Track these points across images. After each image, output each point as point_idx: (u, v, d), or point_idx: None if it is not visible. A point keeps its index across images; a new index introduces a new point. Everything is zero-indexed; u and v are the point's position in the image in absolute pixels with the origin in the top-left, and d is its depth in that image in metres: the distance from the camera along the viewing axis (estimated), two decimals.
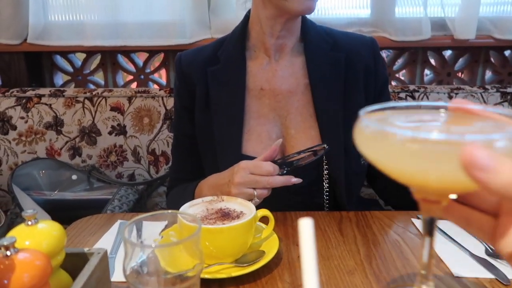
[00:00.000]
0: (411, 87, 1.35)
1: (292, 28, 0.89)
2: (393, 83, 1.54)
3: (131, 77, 1.57)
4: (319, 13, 1.42)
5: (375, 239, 0.73)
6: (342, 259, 0.66)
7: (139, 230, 0.53)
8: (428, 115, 0.39)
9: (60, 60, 1.57)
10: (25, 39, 1.44)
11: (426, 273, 0.41)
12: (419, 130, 0.33)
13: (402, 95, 1.33)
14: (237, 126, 0.89)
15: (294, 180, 0.76)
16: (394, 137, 0.32)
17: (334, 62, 0.90)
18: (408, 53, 1.52)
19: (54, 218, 0.56)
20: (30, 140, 1.36)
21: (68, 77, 1.59)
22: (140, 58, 1.57)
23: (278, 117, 0.91)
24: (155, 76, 1.58)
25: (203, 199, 0.70)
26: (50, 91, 1.37)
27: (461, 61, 1.53)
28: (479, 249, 0.68)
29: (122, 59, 1.57)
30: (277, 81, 0.91)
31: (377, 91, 0.94)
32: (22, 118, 1.36)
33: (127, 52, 1.53)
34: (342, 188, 0.88)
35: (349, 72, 0.90)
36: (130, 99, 1.35)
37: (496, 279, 0.59)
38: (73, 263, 0.51)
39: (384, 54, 1.55)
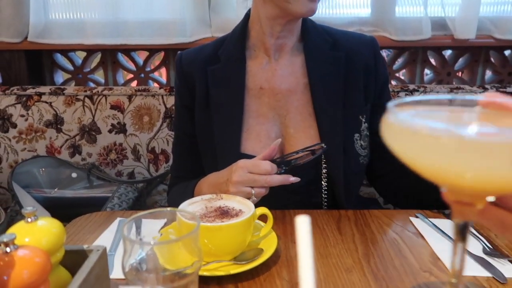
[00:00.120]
0: (411, 86, 1.35)
1: (292, 29, 0.89)
2: (393, 82, 1.54)
3: (131, 75, 1.57)
4: (320, 12, 1.42)
5: (373, 238, 0.73)
6: (340, 257, 0.66)
7: (138, 228, 0.54)
8: (461, 109, 0.36)
9: (61, 59, 1.57)
10: (26, 38, 1.44)
11: (457, 281, 0.38)
12: (457, 124, 0.31)
13: (402, 94, 1.33)
14: (236, 125, 0.89)
15: (292, 179, 0.76)
16: (429, 132, 0.29)
17: (334, 61, 0.90)
18: (408, 53, 1.52)
19: (54, 216, 0.57)
20: (30, 138, 1.37)
21: (69, 76, 1.59)
22: (141, 57, 1.57)
23: (277, 116, 0.91)
24: (155, 74, 1.58)
25: (202, 197, 0.70)
26: (50, 89, 1.37)
27: (461, 60, 1.53)
28: (477, 247, 0.68)
29: (122, 58, 1.57)
30: (277, 81, 0.91)
31: (377, 91, 0.94)
32: (22, 116, 1.36)
33: (128, 50, 1.53)
34: (340, 187, 0.88)
35: (349, 72, 0.90)
36: (130, 97, 1.35)
37: (493, 277, 0.60)
38: (73, 260, 0.51)
39: (384, 53, 1.55)
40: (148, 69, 1.56)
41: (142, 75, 1.56)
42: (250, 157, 0.84)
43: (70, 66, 1.58)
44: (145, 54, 1.55)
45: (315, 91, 0.89)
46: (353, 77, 0.91)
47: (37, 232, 0.46)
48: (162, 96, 1.35)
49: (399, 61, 1.54)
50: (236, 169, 0.75)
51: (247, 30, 0.93)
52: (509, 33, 1.38)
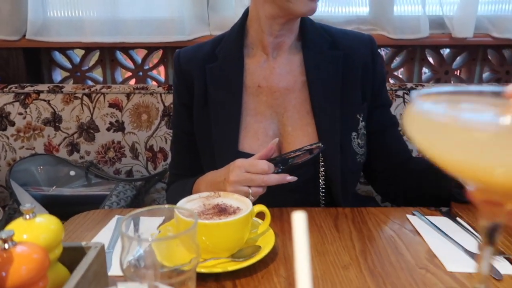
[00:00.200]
0: (409, 85, 1.35)
1: (291, 27, 0.90)
2: (391, 81, 1.54)
3: (129, 73, 1.57)
4: (318, 11, 1.40)
5: (370, 235, 0.73)
6: (337, 254, 0.67)
7: (136, 225, 0.54)
8: (490, 100, 0.33)
9: (59, 56, 1.57)
10: (24, 35, 1.44)
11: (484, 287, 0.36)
12: (491, 116, 0.29)
13: (400, 93, 1.33)
14: (234, 123, 0.90)
15: (289, 178, 0.76)
16: (461, 124, 0.27)
17: (332, 60, 0.90)
18: (406, 51, 1.52)
19: (52, 213, 0.57)
20: (28, 136, 1.37)
21: (67, 74, 1.59)
22: (139, 55, 1.57)
23: (275, 114, 0.91)
24: (154, 72, 1.58)
25: (200, 194, 0.70)
26: (48, 87, 1.37)
27: (459, 59, 1.54)
28: (473, 244, 0.68)
29: (120, 56, 1.57)
30: (275, 79, 0.91)
31: (375, 89, 0.94)
32: (21, 114, 1.36)
33: (126, 48, 1.53)
34: (338, 185, 0.89)
35: (347, 70, 0.91)
36: (128, 95, 1.35)
37: (489, 274, 0.60)
38: (71, 257, 0.51)
39: (382, 52, 1.55)
40: (146, 67, 1.56)
41: (141, 73, 1.56)
42: (247, 155, 0.85)
43: (68, 64, 1.58)
44: (143, 52, 1.55)
45: (313, 90, 0.90)
46: (351, 75, 0.91)
47: (35, 229, 0.46)
48: (161, 94, 1.35)
49: (397, 59, 1.54)
50: (233, 169, 0.76)
51: (245, 28, 0.93)
52: (507, 31, 1.39)
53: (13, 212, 1.20)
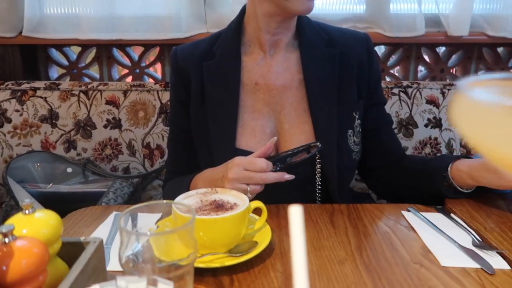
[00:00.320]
0: (405, 83, 1.36)
1: (288, 26, 0.90)
2: (387, 78, 1.55)
3: (126, 71, 1.57)
4: (314, 9, 1.42)
5: (365, 231, 0.74)
6: (333, 249, 0.68)
7: (134, 220, 0.55)
8: None
9: (55, 53, 1.57)
10: (20, 32, 1.43)
11: None
12: None
13: (396, 90, 1.34)
14: (231, 121, 0.90)
15: (287, 176, 0.77)
16: None
17: (329, 58, 0.91)
18: (402, 49, 1.53)
19: None
20: (25, 133, 1.36)
21: (63, 71, 1.58)
22: (136, 52, 1.57)
23: (272, 112, 0.92)
24: (150, 70, 1.58)
25: (197, 191, 0.71)
26: (45, 84, 1.37)
27: (454, 57, 1.55)
28: (467, 240, 0.69)
29: (117, 53, 1.57)
30: (272, 76, 0.92)
31: (370, 87, 0.95)
32: (17, 111, 1.36)
33: (123, 45, 1.53)
34: (334, 182, 0.89)
35: (344, 68, 0.91)
36: (125, 92, 1.35)
37: (482, 268, 0.61)
38: (69, 252, 0.52)
39: (378, 50, 1.56)
40: (143, 64, 1.56)
41: (137, 70, 1.56)
42: (245, 152, 0.85)
43: (65, 61, 1.57)
44: (140, 49, 1.55)
45: (310, 88, 0.90)
46: (347, 73, 0.92)
47: (35, 224, 0.46)
48: (157, 91, 1.35)
49: (393, 57, 1.55)
50: (232, 166, 0.76)
51: (242, 26, 0.93)
52: (501, 30, 1.40)
53: (10, 209, 1.20)
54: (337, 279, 0.60)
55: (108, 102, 1.35)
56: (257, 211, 0.70)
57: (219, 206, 0.66)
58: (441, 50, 1.55)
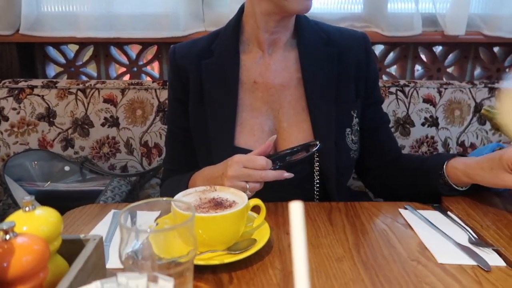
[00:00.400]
0: (402, 81, 1.37)
1: (286, 24, 0.90)
2: (384, 77, 1.56)
3: (124, 69, 1.57)
4: (312, 8, 1.43)
5: (363, 229, 0.75)
6: (331, 247, 0.68)
7: (133, 218, 0.55)
8: None
9: (53, 52, 1.56)
10: (18, 30, 1.43)
11: None
12: None
13: (393, 89, 1.35)
14: (230, 119, 0.90)
15: (286, 174, 0.78)
16: None
17: (327, 57, 0.91)
18: (399, 48, 1.54)
19: None
20: (22, 131, 1.36)
21: (61, 69, 1.58)
22: (133, 50, 1.57)
23: (271, 111, 0.92)
24: (148, 68, 1.58)
25: (196, 189, 0.71)
26: (42, 82, 1.36)
27: (451, 56, 1.56)
28: (463, 237, 0.70)
29: (115, 51, 1.56)
30: (270, 75, 0.92)
31: (368, 87, 0.96)
32: (14, 109, 1.35)
33: (120, 44, 1.53)
34: (332, 181, 0.90)
35: (342, 67, 0.92)
36: (123, 91, 1.35)
37: (478, 265, 0.62)
38: (69, 249, 0.52)
39: (375, 49, 1.56)
40: (140, 63, 1.56)
41: (135, 68, 1.56)
42: (243, 150, 0.86)
43: (62, 59, 1.57)
44: (138, 47, 1.55)
45: (308, 86, 0.91)
46: (345, 73, 0.92)
47: (35, 221, 0.46)
48: (155, 89, 1.35)
49: (390, 56, 1.56)
50: (231, 164, 0.76)
51: (241, 24, 0.93)
52: (498, 30, 1.41)
53: (8, 207, 1.19)
54: (335, 276, 0.60)
55: (105, 101, 1.35)
56: (256, 209, 0.70)
57: (218, 204, 0.66)
58: (438, 49, 1.56)
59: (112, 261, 0.63)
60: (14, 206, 1.19)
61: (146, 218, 0.57)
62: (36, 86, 1.36)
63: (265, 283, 0.59)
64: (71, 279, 0.44)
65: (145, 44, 1.53)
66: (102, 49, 1.55)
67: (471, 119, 1.38)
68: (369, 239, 0.71)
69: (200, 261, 0.60)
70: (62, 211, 0.83)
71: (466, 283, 0.58)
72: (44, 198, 1.23)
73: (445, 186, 0.84)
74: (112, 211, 0.82)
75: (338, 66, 0.91)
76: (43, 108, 1.35)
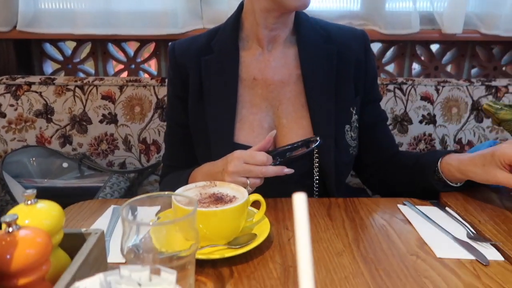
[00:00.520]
0: (399, 79, 1.38)
1: (286, 21, 0.91)
2: (382, 75, 1.56)
3: (121, 66, 1.57)
4: (310, 5, 1.43)
5: (362, 224, 0.75)
6: (331, 242, 0.69)
7: (134, 212, 0.55)
8: None
9: (50, 48, 1.56)
10: (15, 27, 1.42)
11: None
12: None
13: (391, 87, 1.36)
14: (229, 115, 0.91)
15: (286, 170, 0.78)
16: None
17: (327, 54, 0.92)
18: (397, 46, 1.55)
19: None
20: (20, 128, 1.36)
21: (58, 66, 1.57)
22: (131, 47, 1.57)
23: (270, 107, 0.92)
24: (146, 65, 1.57)
25: (196, 184, 0.71)
26: (40, 79, 1.36)
27: (448, 55, 1.56)
28: (461, 232, 0.71)
29: (112, 48, 1.56)
30: (270, 71, 0.92)
31: (367, 84, 0.96)
32: (12, 105, 1.35)
33: (118, 41, 1.53)
34: (331, 177, 0.90)
35: (341, 64, 0.92)
36: (121, 88, 1.35)
37: (477, 260, 0.63)
38: (71, 243, 0.52)
39: (373, 46, 1.57)
40: (138, 60, 1.55)
41: (133, 66, 1.55)
42: (243, 146, 0.86)
43: (59, 56, 1.56)
44: (135, 44, 1.54)
45: (307, 83, 0.91)
46: (344, 70, 0.92)
47: (37, 214, 0.46)
48: (154, 86, 1.35)
49: (388, 54, 1.56)
50: (232, 160, 0.77)
51: (240, 21, 0.94)
52: (495, 28, 1.41)
53: (5, 204, 1.19)
54: (335, 270, 0.61)
55: (104, 97, 1.35)
56: (256, 204, 0.71)
57: (218, 199, 0.66)
58: (435, 47, 1.57)
59: (113, 256, 0.63)
60: (12, 202, 1.18)
61: (146, 213, 0.57)
62: (33, 83, 1.35)
63: (266, 277, 0.59)
64: (74, 272, 0.44)
65: (143, 41, 1.53)
66: (99, 46, 1.54)
67: (468, 117, 1.38)
68: (369, 234, 0.72)
69: (200, 255, 0.61)
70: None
71: (465, 277, 0.59)
72: (43, 195, 1.21)
73: (439, 182, 0.85)
74: (112, 206, 0.82)
75: (338, 63, 0.92)
76: (41, 104, 1.35)
